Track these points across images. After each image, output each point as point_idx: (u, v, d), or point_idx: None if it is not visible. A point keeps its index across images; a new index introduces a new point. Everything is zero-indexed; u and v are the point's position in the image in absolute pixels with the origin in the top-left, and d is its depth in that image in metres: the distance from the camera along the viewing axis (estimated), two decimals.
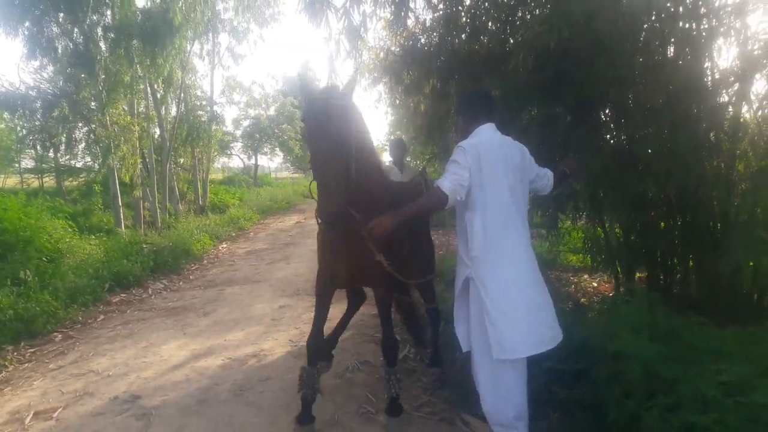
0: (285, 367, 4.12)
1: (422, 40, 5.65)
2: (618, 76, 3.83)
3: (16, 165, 23.39)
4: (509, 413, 2.61)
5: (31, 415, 3.39)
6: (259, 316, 5.68)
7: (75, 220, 11.15)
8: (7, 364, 4.44)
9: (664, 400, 2.33)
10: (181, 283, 7.58)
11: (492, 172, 2.63)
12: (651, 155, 4.08)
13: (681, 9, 3.69)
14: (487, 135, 2.79)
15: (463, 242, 2.75)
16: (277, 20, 16.42)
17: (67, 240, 8.11)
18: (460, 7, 5.07)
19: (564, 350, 3.14)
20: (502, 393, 2.62)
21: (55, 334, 5.26)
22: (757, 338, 2.77)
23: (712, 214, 4.10)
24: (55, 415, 3.39)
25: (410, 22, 5.53)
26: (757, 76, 3.56)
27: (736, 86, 3.64)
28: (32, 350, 4.81)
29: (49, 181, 22.99)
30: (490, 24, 4.92)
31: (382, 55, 6.39)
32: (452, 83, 5.30)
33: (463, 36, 5.06)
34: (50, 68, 13.84)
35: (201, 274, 8.17)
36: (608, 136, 4.55)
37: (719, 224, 4.10)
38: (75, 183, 20.79)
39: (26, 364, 4.46)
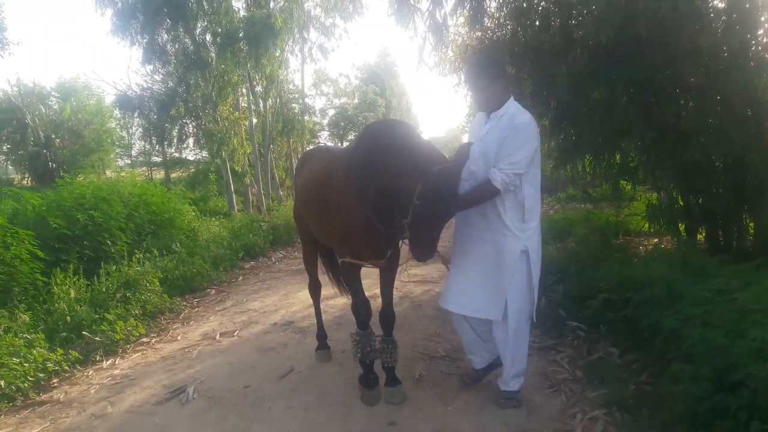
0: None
1: (497, 34, 6.50)
2: (662, 62, 4.58)
3: (126, 159, 26.17)
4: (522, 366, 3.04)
5: (218, 335, 4.76)
6: (370, 271, 6.85)
7: (196, 205, 12.91)
8: (182, 308, 5.88)
9: (677, 307, 3.22)
10: (296, 253, 8.97)
11: (539, 147, 2.82)
12: (696, 128, 4.75)
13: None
14: (519, 107, 2.84)
15: (513, 215, 2.78)
16: (361, 14, 17.49)
17: (197, 221, 9.71)
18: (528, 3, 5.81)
19: (615, 283, 4.09)
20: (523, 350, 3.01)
21: (209, 289, 6.71)
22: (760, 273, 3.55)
23: (757, 177, 4.63)
24: (235, 333, 4.76)
25: (486, 20, 6.39)
26: None
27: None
28: (197, 300, 6.28)
29: (157, 173, 25.59)
30: (553, 20, 5.71)
31: (461, 47, 7.27)
32: (525, 70, 6.11)
33: (530, 31, 5.86)
34: (161, 71, 15.73)
35: None
36: (658, 112, 5.22)
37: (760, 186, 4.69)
38: (183, 174, 23.20)
39: (196, 309, 5.91)
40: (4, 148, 24.73)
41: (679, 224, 5.93)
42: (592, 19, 4.40)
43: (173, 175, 23.55)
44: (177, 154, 22.42)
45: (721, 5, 4.52)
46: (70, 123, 22.85)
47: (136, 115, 19.48)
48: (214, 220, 10.58)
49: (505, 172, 2.61)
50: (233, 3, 12.79)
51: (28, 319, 4.55)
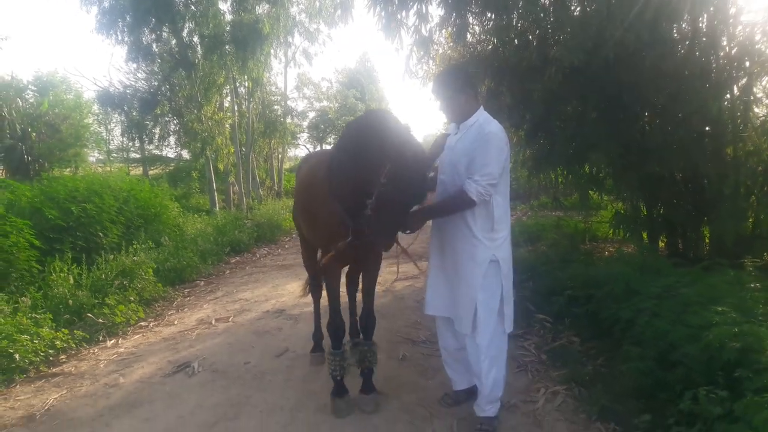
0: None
1: (478, 49, 6.94)
2: (628, 83, 5.05)
3: (102, 156, 26.08)
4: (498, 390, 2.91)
5: (214, 320, 5.09)
6: None
7: (179, 202, 13.11)
8: (175, 297, 6.18)
9: (632, 301, 3.67)
10: (279, 250, 9.32)
11: (509, 156, 2.81)
12: (659, 143, 5.22)
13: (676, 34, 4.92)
14: (489, 116, 2.81)
15: (482, 224, 2.75)
16: (346, 22, 17.88)
17: (181, 217, 9.96)
18: (510, 17, 6.19)
19: (580, 281, 4.54)
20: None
21: (198, 281, 7.02)
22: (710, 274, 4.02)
23: (712, 189, 5.09)
24: (230, 319, 5.11)
25: (468, 36, 6.82)
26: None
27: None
28: (187, 290, 6.58)
29: (134, 169, 25.54)
30: (531, 39, 6.15)
31: (444, 60, 7.72)
32: (504, 84, 6.55)
33: (509, 48, 6.27)
34: (144, 70, 15.86)
35: (294, 243, 9.82)
36: (625, 128, 5.69)
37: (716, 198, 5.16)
38: (161, 171, 23.24)
39: (188, 298, 6.22)
40: None
41: (642, 232, 6.41)
42: (565, 41, 4.84)
43: (151, 172, 23.56)
44: (157, 151, 22.44)
45: (686, 29, 5.04)
46: (47, 117, 22.66)
47: (117, 112, 19.56)
48: (197, 217, 10.83)
49: (480, 184, 2.58)
50: (220, 6, 13.05)
51: (29, 302, 4.82)
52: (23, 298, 4.81)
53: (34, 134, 21.90)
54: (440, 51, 7.89)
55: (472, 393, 3.09)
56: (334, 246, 2.85)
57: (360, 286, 3.48)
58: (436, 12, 6.14)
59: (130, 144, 24.68)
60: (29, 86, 24.35)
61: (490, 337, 2.78)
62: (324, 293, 3.39)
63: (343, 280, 3.68)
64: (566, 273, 5.02)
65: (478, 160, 2.62)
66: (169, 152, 22.25)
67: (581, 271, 4.83)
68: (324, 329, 3.50)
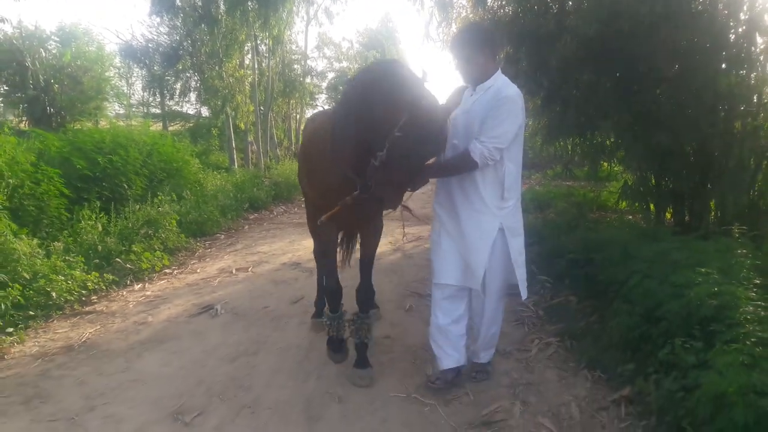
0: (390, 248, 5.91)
1: (499, 14, 7.00)
2: (642, 55, 5.14)
3: (123, 109, 26.34)
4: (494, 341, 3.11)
5: (234, 270, 5.42)
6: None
7: (199, 158, 13.39)
8: (197, 248, 6.51)
9: (628, 264, 3.89)
10: (296, 209, 9.64)
11: (524, 123, 2.72)
12: (670, 114, 5.33)
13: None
14: (507, 80, 2.72)
15: (491, 191, 2.69)
16: None
17: (201, 173, 10.26)
18: None
19: (581, 246, 4.76)
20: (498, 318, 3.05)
21: (218, 234, 7.36)
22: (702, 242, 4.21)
23: (719, 162, 5.24)
24: (249, 269, 5.44)
25: (489, 1, 6.89)
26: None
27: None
28: (208, 242, 6.91)
29: (155, 125, 25.83)
30: (552, 6, 6.21)
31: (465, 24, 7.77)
32: (522, 51, 6.64)
33: (528, 15, 6.36)
34: (167, 24, 15.96)
35: None
36: (638, 98, 5.79)
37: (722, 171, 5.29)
38: (181, 127, 23.52)
39: (209, 249, 6.56)
40: (2, 89, 24.78)
41: (650, 203, 6.56)
42: (581, 12, 4.93)
43: (171, 128, 23.84)
44: (177, 108, 22.69)
45: (700, 7, 5.10)
46: (69, 69, 22.89)
47: (140, 66, 19.76)
48: (216, 174, 11.12)
49: (486, 146, 2.50)
50: None
51: (61, 246, 5.14)
52: (56, 243, 5.14)
53: (56, 86, 22.18)
54: (462, 14, 7.94)
55: (459, 372, 3.07)
56: (340, 202, 2.66)
57: (358, 255, 3.34)
58: None
59: (151, 99, 25.07)
60: (52, 37, 24.48)
61: (495, 304, 2.90)
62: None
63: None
64: (570, 238, 5.23)
65: (490, 122, 2.53)
66: (189, 108, 22.60)
67: (583, 236, 5.04)
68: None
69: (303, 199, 4.69)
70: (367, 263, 3.19)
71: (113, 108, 26.90)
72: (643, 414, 2.69)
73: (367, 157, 2.40)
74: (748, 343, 2.41)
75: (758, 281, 3.06)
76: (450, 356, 2.97)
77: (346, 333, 3.22)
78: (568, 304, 4.23)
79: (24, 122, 22.95)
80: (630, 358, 3.14)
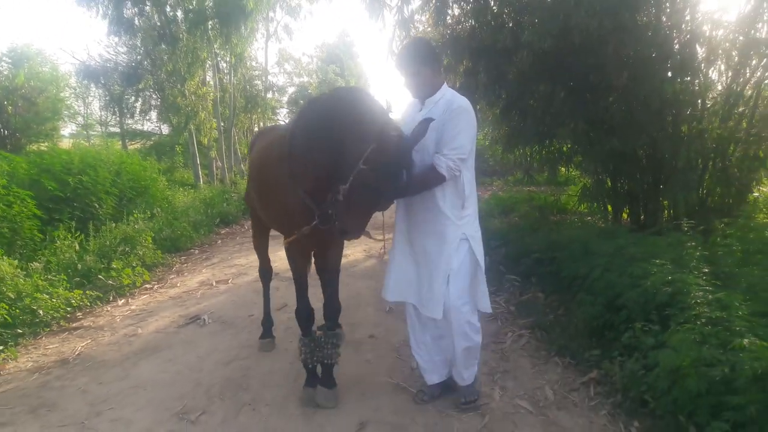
0: (360, 259, 6.12)
1: (457, 29, 7.34)
2: (594, 65, 5.52)
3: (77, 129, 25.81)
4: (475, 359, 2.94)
5: (214, 282, 5.55)
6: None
7: (164, 176, 13.36)
8: (173, 263, 6.61)
9: (588, 259, 4.21)
10: None
11: (476, 133, 2.69)
12: (621, 121, 5.71)
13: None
14: (455, 92, 2.73)
15: (452, 202, 2.67)
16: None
17: (169, 190, 10.30)
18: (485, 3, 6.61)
19: (545, 245, 5.09)
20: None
21: (193, 249, 7.46)
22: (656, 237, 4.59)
23: (668, 164, 5.63)
24: (229, 281, 5.58)
25: (448, 17, 7.22)
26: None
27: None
28: (184, 257, 6.99)
29: (113, 144, 25.36)
30: (506, 22, 6.56)
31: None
32: (481, 64, 6.97)
33: (486, 29, 6.67)
34: (126, 44, 15.88)
35: None
36: (591, 107, 6.17)
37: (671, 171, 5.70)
38: (139, 145, 23.25)
39: (186, 264, 6.65)
40: None
41: (607, 205, 6.97)
42: (536, 27, 5.28)
43: (131, 147, 23.54)
44: (137, 126, 22.45)
45: (649, 17, 5.51)
46: (23, 90, 22.41)
47: (98, 85, 19.48)
48: (183, 191, 11.15)
49: (450, 158, 2.49)
50: None
51: (40, 266, 5.19)
52: (34, 264, 5.18)
53: (10, 107, 21.69)
54: (420, 29, 8.24)
55: (447, 386, 3.04)
56: (296, 231, 2.58)
57: (324, 265, 3.26)
58: None
59: (110, 119, 24.67)
60: (4, 58, 23.95)
61: (463, 325, 2.72)
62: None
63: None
64: (534, 239, 5.56)
65: (448, 134, 2.52)
66: (150, 126, 22.38)
67: (546, 237, 5.39)
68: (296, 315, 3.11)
69: None
70: (332, 272, 3.11)
71: (70, 128, 26.42)
72: (610, 392, 3.02)
73: (326, 185, 2.37)
74: (698, 323, 2.74)
75: (706, 270, 3.43)
76: (434, 371, 2.97)
77: (318, 359, 2.99)
78: (537, 300, 4.55)
79: None
80: (596, 344, 3.49)
